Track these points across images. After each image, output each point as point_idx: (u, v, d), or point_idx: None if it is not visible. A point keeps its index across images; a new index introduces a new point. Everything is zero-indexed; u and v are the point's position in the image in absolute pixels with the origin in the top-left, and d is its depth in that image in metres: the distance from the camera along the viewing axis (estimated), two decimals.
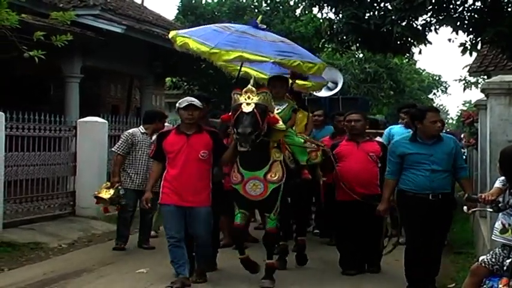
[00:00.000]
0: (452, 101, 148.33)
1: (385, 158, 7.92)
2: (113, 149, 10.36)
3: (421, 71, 45.69)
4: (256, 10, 27.09)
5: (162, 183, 7.71)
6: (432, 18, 12.12)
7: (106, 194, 9.80)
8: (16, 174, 11.18)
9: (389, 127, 11.37)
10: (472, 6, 11.76)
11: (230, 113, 7.53)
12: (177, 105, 7.65)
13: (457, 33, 11.92)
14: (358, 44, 13.99)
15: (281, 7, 27.61)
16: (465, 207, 5.84)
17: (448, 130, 11.81)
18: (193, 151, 7.53)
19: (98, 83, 19.13)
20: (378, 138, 10.04)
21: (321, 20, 16.79)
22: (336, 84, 14.90)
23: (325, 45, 19.08)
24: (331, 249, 9.53)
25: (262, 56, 8.23)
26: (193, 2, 26.84)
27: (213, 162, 7.73)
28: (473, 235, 10.99)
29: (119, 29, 15.09)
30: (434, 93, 50.82)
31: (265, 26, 9.31)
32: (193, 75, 22.71)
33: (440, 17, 11.91)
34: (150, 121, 10.25)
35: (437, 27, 12.22)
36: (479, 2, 11.62)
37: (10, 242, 9.88)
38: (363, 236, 8.34)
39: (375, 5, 12.49)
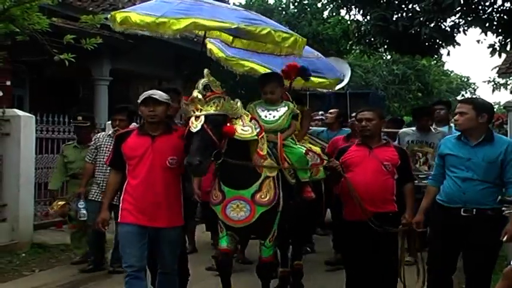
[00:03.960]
0: None
1: (404, 167, 6.61)
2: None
3: (449, 72, 45.41)
4: (283, 12, 27.14)
5: (122, 196, 6.03)
6: (461, 20, 12.06)
7: (55, 207, 8.73)
8: (46, 176, 11.28)
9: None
10: (501, 7, 11.68)
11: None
12: (138, 101, 6.07)
13: (486, 35, 11.87)
14: (386, 46, 13.96)
15: (308, 9, 27.62)
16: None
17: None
18: (159, 157, 5.91)
19: (126, 85, 19.24)
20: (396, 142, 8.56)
21: (349, 22, 16.82)
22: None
23: (353, 47, 19.11)
24: (334, 276, 8.17)
25: (221, 22, 6.37)
26: None
27: (184, 172, 6.09)
28: None
29: (147, 31, 15.16)
30: (462, 95, 50.31)
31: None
32: (220, 77, 22.72)
33: (469, 18, 11.84)
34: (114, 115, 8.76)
35: (465, 28, 12.16)
36: (509, 3, 11.53)
37: (41, 243, 10.00)
38: (376, 265, 6.53)
39: (403, 6, 12.46)
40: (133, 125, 8.02)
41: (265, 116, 6.86)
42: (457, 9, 11.34)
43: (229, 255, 6.45)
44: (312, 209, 7.13)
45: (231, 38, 7.75)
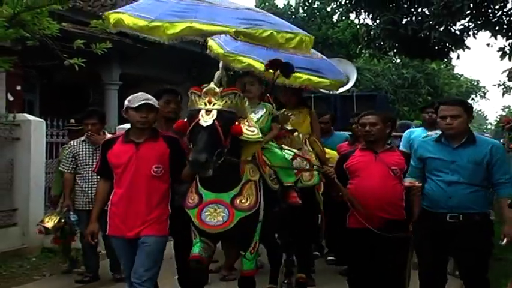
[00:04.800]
0: (491, 106, 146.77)
1: None
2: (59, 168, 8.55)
3: (459, 76, 45.17)
4: (293, 16, 27.12)
5: (109, 207, 5.79)
6: (470, 23, 12.08)
7: (49, 222, 8.19)
8: None
9: (408, 130, 9.23)
10: (511, 11, 11.67)
11: (186, 120, 5.57)
12: (126, 103, 5.75)
13: (495, 38, 11.88)
14: (395, 50, 13.98)
15: (318, 13, 27.64)
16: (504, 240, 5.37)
17: (485, 135, 10.46)
18: (143, 165, 5.61)
19: (136, 89, 19.22)
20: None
21: (358, 26, 16.84)
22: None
23: (363, 51, 19.10)
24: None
25: (219, 26, 5.89)
26: None
27: (171, 179, 5.80)
28: None
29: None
30: (472, 99, 50.12)
31: None
32: (231, 80, 22.75)
33: (479, 22, 11.86)
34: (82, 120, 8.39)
35: (475, 32, 12.19)
36: None
37: (51, 248, 9.99)
38: (382, 276, 6.16)
39: (413, 10, 12.48)
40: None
41: None
42: (467, 12, 11.36)
43: (202, 262, 5.82)
44: (305, 216, 6.83)
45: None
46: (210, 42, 7.43)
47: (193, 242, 5.84)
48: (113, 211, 5.68)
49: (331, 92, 10.05)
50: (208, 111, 5.31)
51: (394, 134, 8.09)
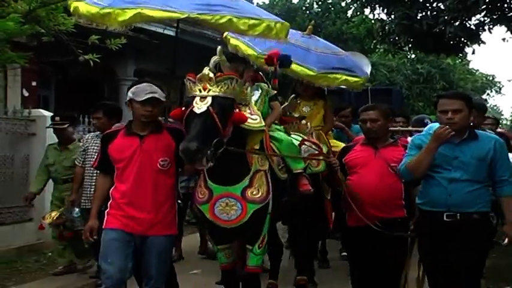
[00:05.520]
0: (507, 101, 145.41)
1: None
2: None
3: (474, 71, 44.97)
4: (307, 12, 27.10)
5: (109, 202, 5.44)
6: (486, 18, 12.01)
7: (48, 218, 8.04)
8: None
9: (429, 125, 9.11)
10: None
11: (183, 108, 5.23)
12: (130, 95, 5.39)
13: (511, 33, 11.78)
14: (410, 45, 13.94)
15: (332, 8, 27.61)
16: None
17: (499, 130, 10.16)
18: (148, 158, 5.29)
19: None
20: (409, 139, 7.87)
21: (373, 21, 16.83)
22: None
23: (377, 46, 19.06)
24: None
25: (170, 12, 5.56)
26: None
27: (177, 173, 5.52)
28: None
29: (172, 32, 15.19)
30: (488, 94, 49.90)
31: None
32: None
33: (494, 17, 11.80)
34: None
35: (491, 26, 12.12)
36: None
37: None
38: (382, 274, 5.90)
39: (428, 5, 12.43)
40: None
41: None
42: (482, 7, 11.29)
43: (230, 271, 5.79)
44: (313, 206, 6.55)
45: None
46: (234, 41, 7.35)
47: (215, 250, 5.82)
48: (114, 206, 5.34)
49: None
50: (202, 98, 5.02)
51: (415, 129, 7.94)
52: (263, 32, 5.97)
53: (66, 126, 8.50)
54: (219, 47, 5.47)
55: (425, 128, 6.46)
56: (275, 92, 6.54)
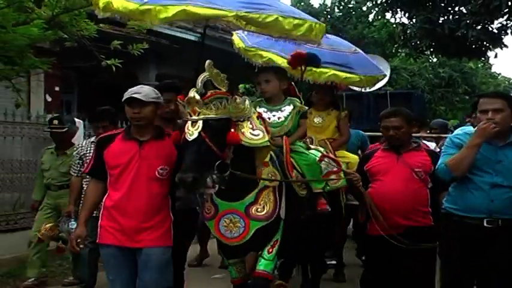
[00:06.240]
0: None
1: None
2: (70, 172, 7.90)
3: (496, 75, 44.74)
4: (329, 16, 27.08)
5: (101, 211, 5.19)
6: (508, 21, 11.98)
7: (43, 230, 7.33)
8: None
9: (459, 129, 8.20)
10: None
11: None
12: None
13: None
14: (432, 49, 13.94)
15: (354, 12, 27.62)
16: None
17: None
18: (147, 166, 5.02)
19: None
20: (428, 144, 7.68)
21: (394, 25, 16.75)
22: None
23: (399, 50, 19.03)
24: None
25: (217, 10, 5.23)
26: None
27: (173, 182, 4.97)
28: None
29: (193, 36, 15.27)
30: None
31: None
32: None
33: None
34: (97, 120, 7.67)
35: None
36: None
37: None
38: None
39: (449, 9, 12.41)
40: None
41: (268, 118, 5.91)
42: (505, 11, 11.26)
43: (241, 285, 5.59)
44: (327, 223, 6.23)
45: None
46: (234, 36, 7.31)
47: (226, 263, 5.69)
48: (107, 216, 5.08)
49: (363, 90, 9.39)
50: (193, 123, 4.74)
51: (442, 136, 7.74)
52: (305, 32, 5.73)
53: (65, 130, 8.33)
54: (208, 61, 4.99)
55: (457, 130, 6.20)
56: (307, 108, 6.35)
